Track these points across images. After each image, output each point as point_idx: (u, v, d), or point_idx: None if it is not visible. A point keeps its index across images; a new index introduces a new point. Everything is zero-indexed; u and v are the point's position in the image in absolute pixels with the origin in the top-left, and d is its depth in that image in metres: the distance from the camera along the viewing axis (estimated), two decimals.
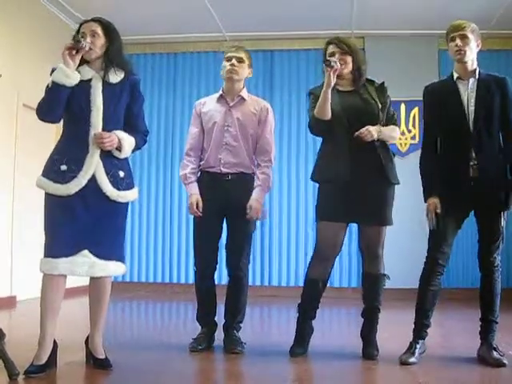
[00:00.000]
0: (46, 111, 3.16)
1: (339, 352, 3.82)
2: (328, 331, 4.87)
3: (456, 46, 3.47)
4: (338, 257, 3.73)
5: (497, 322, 3.52)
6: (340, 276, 7.40)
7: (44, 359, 3.04)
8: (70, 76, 3.08)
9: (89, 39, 3.16)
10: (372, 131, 3.51)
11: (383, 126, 3.62)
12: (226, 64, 3.90)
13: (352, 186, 3.53)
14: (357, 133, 3.49)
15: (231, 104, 3.93)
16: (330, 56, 3.63)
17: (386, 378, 3.24)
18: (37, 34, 6.47)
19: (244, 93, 3.98)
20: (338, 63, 3.51)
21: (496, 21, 6.99)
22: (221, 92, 4.00)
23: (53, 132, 6.31)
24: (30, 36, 6.33)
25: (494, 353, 3.41)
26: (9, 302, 5.77)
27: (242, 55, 3.92)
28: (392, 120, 3.73)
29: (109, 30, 3.25)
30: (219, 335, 3.92)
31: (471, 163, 3.46)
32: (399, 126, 3.76)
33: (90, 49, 3.14)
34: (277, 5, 6.80)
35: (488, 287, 3.52)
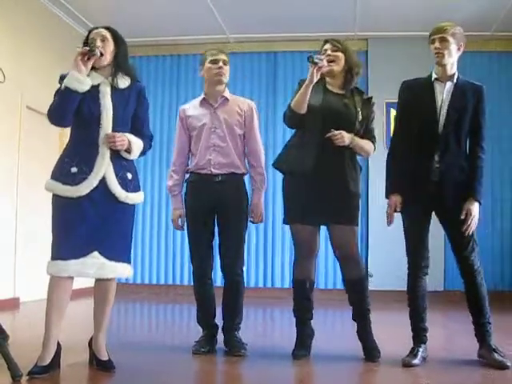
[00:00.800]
0: (58, 117, 3.18)
1: (341, 354, 3.82)
2: (331, 333, 4.88)
3: (435, 48, 3.49)
4: (323, 258, 3.74)
5: (490, 323, 3.51)
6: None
7: (48, 360, 3.05)
8: (83, 82, 3.11)
9: (100, 43, 3.19)
10: (345, 137, 3.53)
11: (359, 137, 3.63)
12: (212, 66, 3.90)
13: (317, 185, 3.55)
14: (330, 134, 3.51)
15: (215, 105, 3.93)
16: (323, 53, 3.64)
17: (389, 380, 3.24)
18: (41, 36, 6.49)
19: (227, 93, 3.99)
20: (325, 61, 3.51)
21: (498, 23, 6.99)
22: (203, 96, 4.00)
23: (56, 134, 6.35)
24: (34, 38, 6.36)
25: (496, 354, 3.41)
26: (12, 304, 5.78)
27: (226, 58, 3.95)
28: (369, 135, 3.73)
29: (117, 36, 3.31)
30: (220, 337, 3.93)
31: (434, 166, 3.48)
32: (375, 144, 3.76)
33: (102, 54, 3.17)
34: (280, 6, 6.82)
35: (473, 292, 3.52)
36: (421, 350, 3.51)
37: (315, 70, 3.46)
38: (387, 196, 3.63)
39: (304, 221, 3.62)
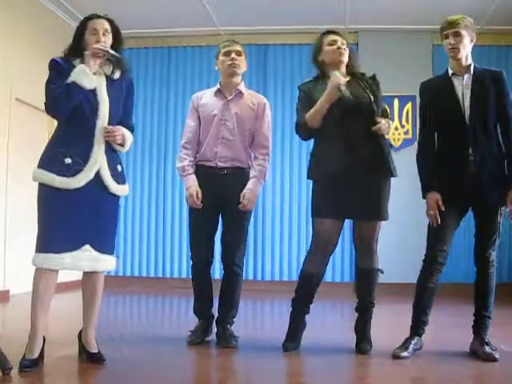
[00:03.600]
0: (59, 108, 3.13)
1: (332, 346, 3.83)
2: (321, 326, 4.89)
3: (449, 44, 3.48)
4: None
5: (490, 318, 3.53)
6: (333, 271, 7.43)
7: (36, 353, 3.04)
8: (92, 80, 3.11)
9: (102, 38, 3.17)
10: (387, 124, 3.53)
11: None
12: (226, 59, 3.87)
13: (347, 181, 3.50)
14: (375, 127, 3.47)
15: (229, 98, 3.92)
16: (331, 43, 3.63)
17: (378, 373, 3.25)
18: (30, 28, 6.44)
19: (242, 87, 3.96)
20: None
21: (489, 17, 7.01)
22: (218, 86, 3.98)
23: (45, 125, 6.32)
24: (23, 30, 6.30)
25: (486, 347, 3.43)
26: (2, 297, 5.76)
27: (240, 48, 3.91)
28: (385, 113, 3.71)
29: (117, 29, 3.30)
30: (214, 327, 3.93)
31: (469, 159, 3.45)
32: (392, 121, 3.75)
33: (109, 56, 3.17)
34: None
35: (482, 283, 3.53)
36: (413, 342, 3.52)
37: (334, 90, 3.43)
38: (424, 196, 3.58)
39: (328, 215, 3.56)
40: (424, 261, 3.59)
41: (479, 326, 3.53)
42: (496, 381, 3.11)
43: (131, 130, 3.44)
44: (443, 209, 3.47)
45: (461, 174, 3.46)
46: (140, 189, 7.89)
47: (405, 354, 3.44)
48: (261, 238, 7.68)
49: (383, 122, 3.52)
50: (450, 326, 4.68)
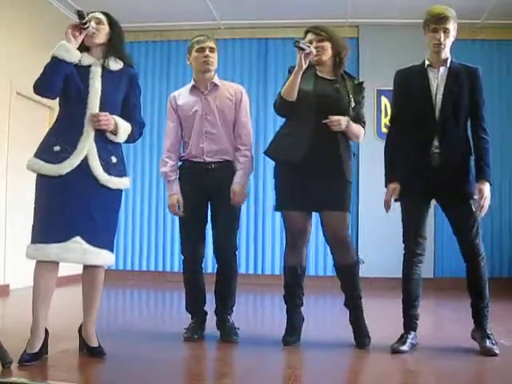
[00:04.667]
0: (43, 85, 3.12)
1: (332, 340, 3.84)
2: (321, 320, 4.90)
3: (437, 40, 3.46)
4: (313, 245, 3.74)
5: (488, 307, 3.52)
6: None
7: (37, 347, 3.04)
8: (71, 51, 3.09)
9: (94, 24, 3.17)
10: (342, 122, 3.53)
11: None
12: (199, 55, 3.85)
13: (310, 172, 3.54)
14: (327, 120, 3.51)
15: (205, 92, 3.91)
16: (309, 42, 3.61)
17: (378, 367, 3.26)
18: (30, 21, 6.42)
19: (216, 79, 3.95)
20: (313, 48, 3.49)
21: (488, 12, 6.99)
22: (193, 82, 3.97)
23: (46, 119, 6.32)
24: (25, 24, 6.29)
25: (487, 341, 3.42)
26: (2, 291, 5.77)
27: (213, 44, 3.90)
28: (360, 120, 3.71)
29: (113, 21, 3.30)
30: (209, 323, 3.93)
31: (434, 151, 3.48)
32: (364, 128, 3.75)
33: (93, 33, 3.15)
34: None
35: (475, 276, 3.52)
36: (410, 336, 3.53)
37: (303, 56, 3.44)
38: (386, 185, 3.62)
39: (296, 207, 3.62)
40: (404, 255, 3.62)
41: (478, 316, 3.52)
42: (496, 375, 3.11)
43: (139, 124, 3.42)
44: (396, 198, 3.55)
45: (424, 166, 3.48)
46: (140, 183, 7.89)
47: (404, 348, 3.45)
48: (261, 232, 7.68)
49: (339, 117, 3.52)
50: (448, 319, 4.68)
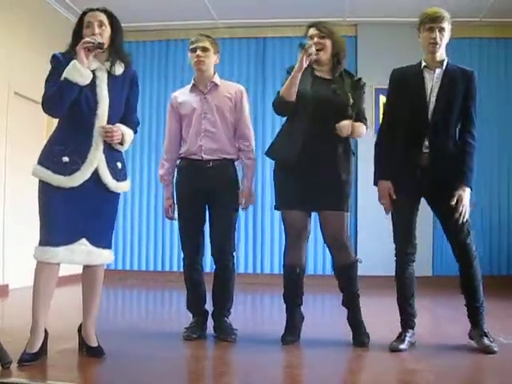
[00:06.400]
0: (54, 107, 3.12)
1: (331, 339, 3.84)
2: (320, 319, 4.90)
3: (433, 39, 3.47)
4: (312, 244, 3.75)
5: (483, 306, 3.53)
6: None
7: (37, 347, 3.05)
8: (85, 75, 3.06)
9: (97, 30, 3.14)
10: (344, 128, 3.54)
11: (353, 121, 3.62)
12: (192, 55, 3.90)
13: (305, 172, 3.55)
14: (337, 125, 3.52)
15: (205, 91, 3.92)
16: (309, 39, 3.63)
17: (377, 365, 3.26)
18: (30, 23, 6.41)
19: (216, 79, 3.97)
20: (314, 49, 3.50)
21: (486, 10, 6.99)
22: (193, 82, 4.00)
23: (44, 120, 6.30)
24: (24, 25, 6.28)
25: (485, 339, 3.43)
26: (1, 291, 5.76)
27: (206, 44, 3.90)
28: (361, 116, 3.70)
29: (115, 21, 3.26)
30: (210, 322, 3.93)
31: (424, 151, 3.49)
32: (366, 125, 3.75)
33: (102, 46, 3.11)
34: None
35: (468, 276, 3.53)
36: (408, 335, 3.53)
37: (305, 57, 3.45)
38: (376, 183, 3.63)
39: (295, 207, 3.63)
40: (396, 255, 3.62)
41: (474, 315, 3.53)
42: (494, 373, 3.11)
43: (135, 124, 3.43)
44: (394, 197, 3.54)
45: (413, 165, 3.50)
46: (139, 182, 7.88)
47: (403, 346, 3.46)
48: (260, 231, 7.68)
49: (346, 122, 3.54)
50: (446, 318, 4.68)
